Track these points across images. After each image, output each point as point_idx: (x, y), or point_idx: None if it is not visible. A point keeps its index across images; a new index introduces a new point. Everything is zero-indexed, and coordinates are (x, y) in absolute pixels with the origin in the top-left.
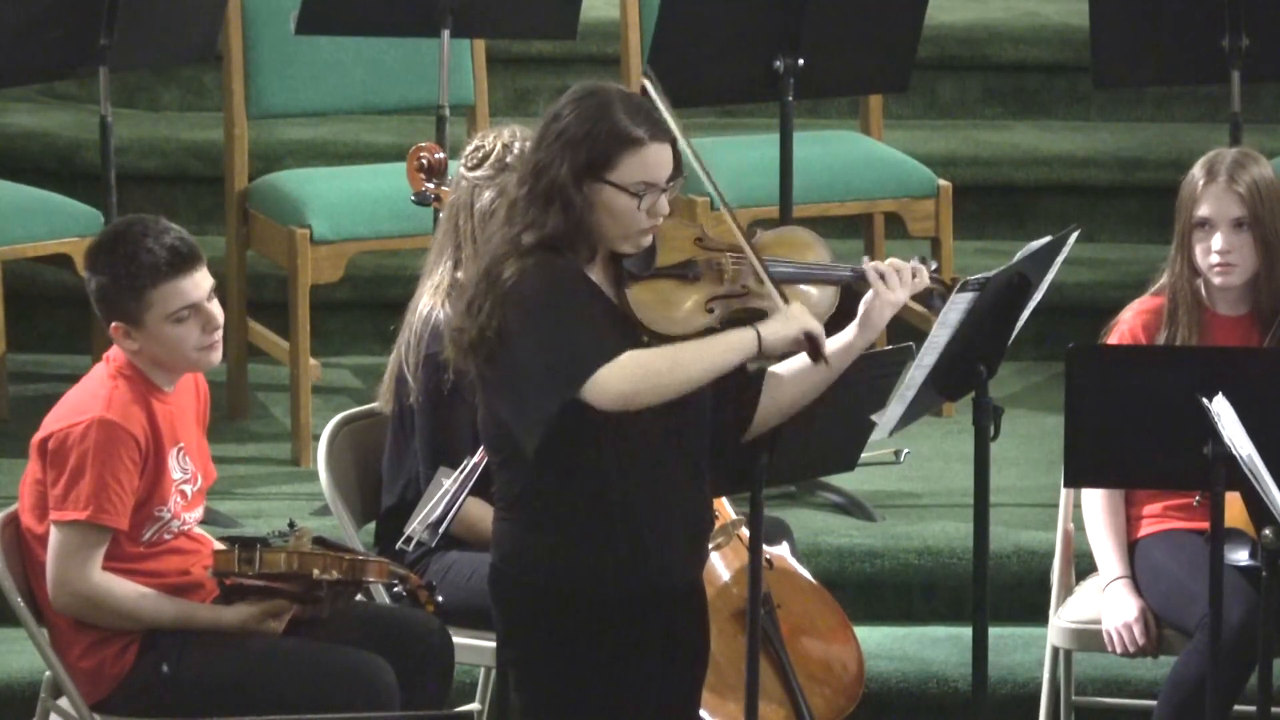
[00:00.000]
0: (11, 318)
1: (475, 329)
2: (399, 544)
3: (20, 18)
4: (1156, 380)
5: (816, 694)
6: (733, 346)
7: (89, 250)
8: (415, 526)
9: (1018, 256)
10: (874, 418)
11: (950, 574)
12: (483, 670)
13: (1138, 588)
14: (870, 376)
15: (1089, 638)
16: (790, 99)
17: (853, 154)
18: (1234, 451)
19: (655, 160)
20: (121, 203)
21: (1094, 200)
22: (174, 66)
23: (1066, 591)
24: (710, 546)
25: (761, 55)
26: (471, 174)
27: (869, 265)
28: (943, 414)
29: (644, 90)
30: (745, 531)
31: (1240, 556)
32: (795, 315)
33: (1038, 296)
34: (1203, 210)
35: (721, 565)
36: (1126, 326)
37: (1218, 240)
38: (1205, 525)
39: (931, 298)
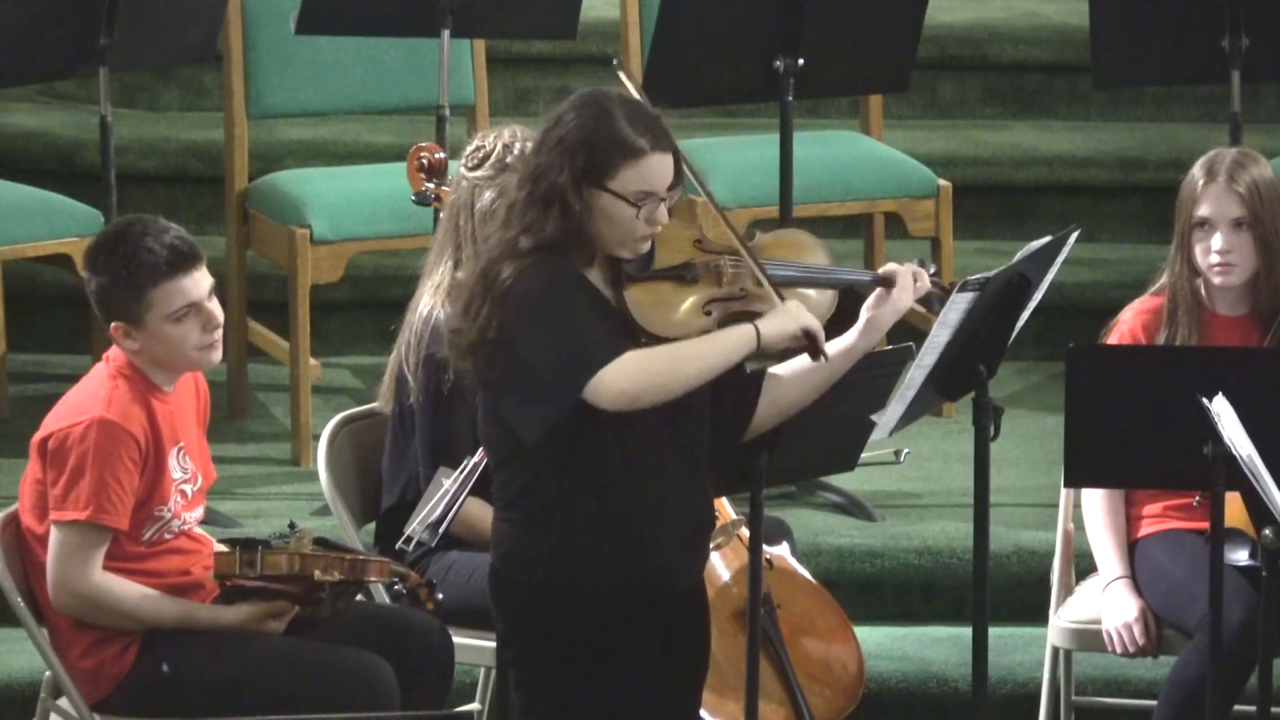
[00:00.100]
0: (11, 318)
1: (473, 330)
2: (399, 544)
3: (20, 18)
4: (1156, 380)
5: (816, 694)
6: (732, 343)
7: (88, 250)
8: (415, 526)
9: (1018, 256)
10: (874, 418)
11: (950, 574)
12: (483, 670)
13: (1138, 588)
14: (870, 376)
15: (1089, 638)
16: (790, 99)
17: (853, 154)
18: (1234, 451)
19: (655, 170)
20: (121, 203)
21: (1094, 200)
22: (174, 66)
23: (1066, 591)
24: (710, 546)
25: (761, 55)
26: (472, 174)
27: (890, 270)
28: (943, 414)
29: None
30: (745, 531)
31: (1240, 556)
32: (793, 312)
33: (1038, 296)
34: (1202, 210)
35: (721, 565)
36: (1126, 326)
37: (1217, 240)
38: (1205, 525)
39: (930, 300)
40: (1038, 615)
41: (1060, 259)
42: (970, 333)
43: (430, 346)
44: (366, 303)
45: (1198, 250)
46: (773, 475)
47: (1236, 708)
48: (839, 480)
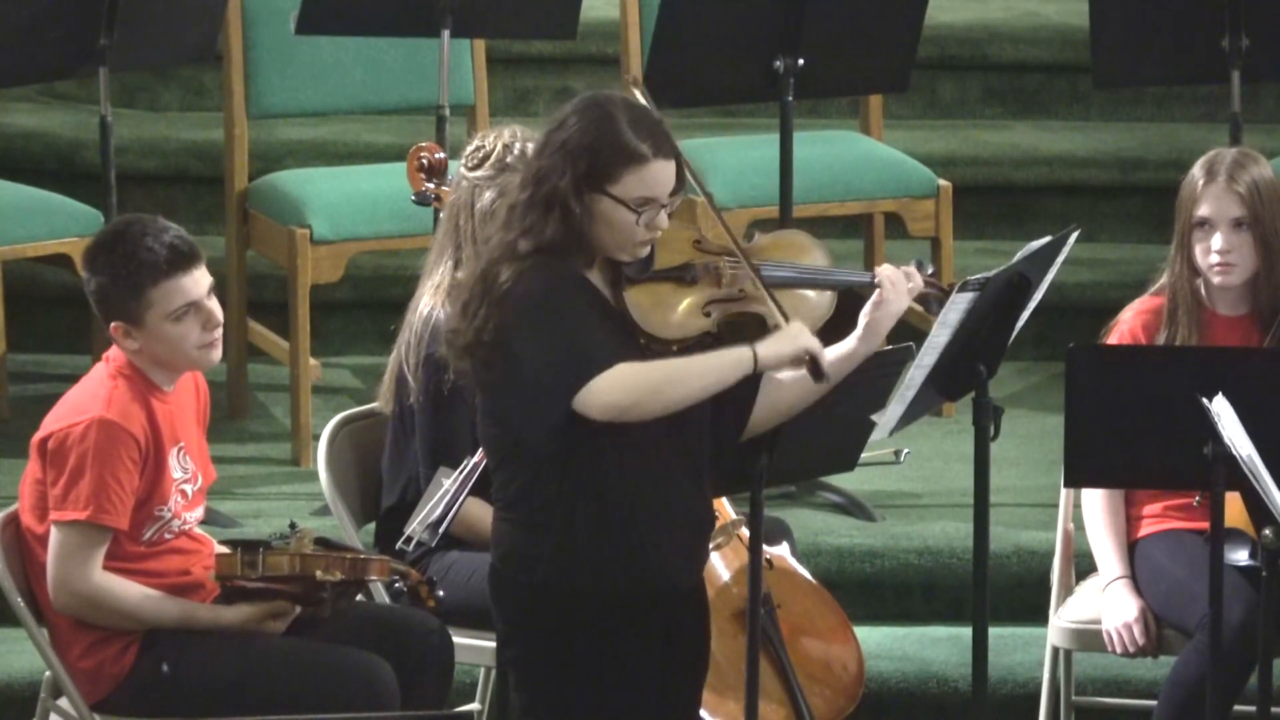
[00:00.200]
0: (11, 318)
1: (470, 332)
2: (399, 544)
3: (20, 18)
4: (1156, 380)
5: (816, 694)
6: (727, 364)
7: (87, 251)
8: (415, 526)
9: (1018, 256)
10: (874, 418)
11: (950, 574)
12: (483, 670)
13: (1138, 588)
14: (870, 376)
15: (1089, 638)
16: (790, 99)
17: (853, 154)
18: (1234, 451)
19: (657, 177)
20: (121, 203)
21: (1094, 200)
22: (174, 66)
23: (1066, 591)
24: (710, 546)
25: (761, 55)
26: (472, 174)
27: (877, 273)
28: (943, 414)
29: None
30: (745, 531)
31: (1240, 556)
32: (794, 334)
33: (1038, 296)
34: (1202, 210)
35: (721, 565)
36: (1126, 326)
37: (1217, 240)
38: (1205, 525)
39: (929, 301)
40: (1038, 615)
41: (1060, 259)
42: (970, 333)
43: (430, 346)
44: (366, 303)
45: (1198, 250)
46: (773, 475)
47: (1236, 708)
48: (839, 480)
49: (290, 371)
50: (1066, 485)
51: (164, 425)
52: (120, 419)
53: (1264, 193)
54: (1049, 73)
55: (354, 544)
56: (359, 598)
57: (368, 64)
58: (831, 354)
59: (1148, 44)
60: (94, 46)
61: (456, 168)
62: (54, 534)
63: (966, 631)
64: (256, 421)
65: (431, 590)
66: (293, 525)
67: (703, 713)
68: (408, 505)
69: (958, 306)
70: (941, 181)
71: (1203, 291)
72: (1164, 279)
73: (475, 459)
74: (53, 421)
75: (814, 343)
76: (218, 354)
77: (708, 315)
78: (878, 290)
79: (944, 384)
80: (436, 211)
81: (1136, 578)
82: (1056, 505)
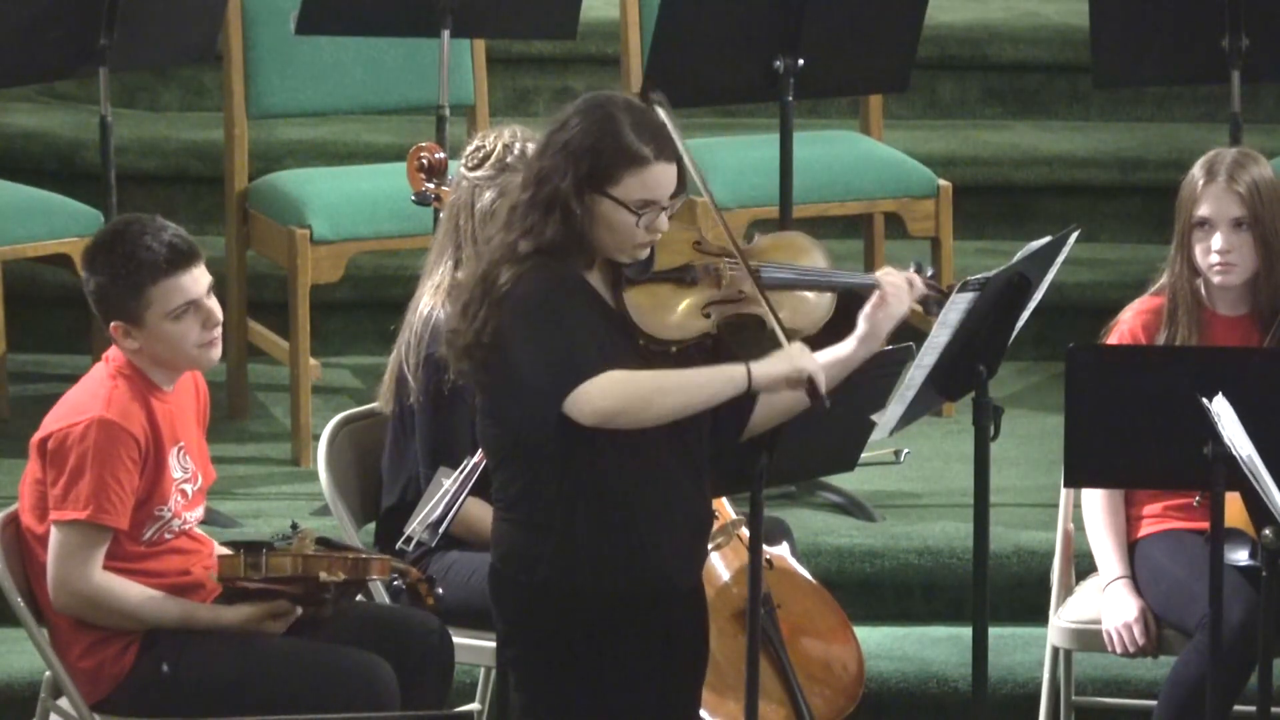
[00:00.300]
0: (11, 318)
1: (470, 333)
2: (399, 544)
3: (20, 18)
4: (1156, 380)
5: (816, 694)
6: (719, 380)
7: (86, 251)
8: (415, 526)
9: (1018, 256)
10: (874, 418)
11: (950, 574)
12: (483, 670)
13: (1138, 588)
14: (870, 376)
15: (1089, 638)
16: (790, 99)
17: (853, 154)
18: (1234, 451)
19: (659, 179)
20: (121, 203)
21: (1094, 200)
22: (174, 66)
23: (1066, 591)
24: (710, 546)
25: (761, 55)
26: (472, 174)
27: (878, 277)
28: (943, 414)
29: (650, 101)
30: (745, 531)
31: (1240, 556)
32: (793, 355)
33: (1038, 296)
34: (1202, 210)
35: (721, 565)
36: (1126, 326)
37: (1217, 240)
38: (1205, 525)
39: (929, 302)
40: (1038, 615)
41: (1060, 259)
42: (970, 333)
43: (430, 346)
44: (366, 303)
45: (1198, 250)
46: (773, 475)
47: (1236, 708)
48: (839, 480)
49: (290, 371)
50: (1066, 485)
51: (164, 425)
52: (120, 419)
53: (1264, 193)
54: (1049, 73)
55: (354, 544)
56: (359, 597)
57: (368, 64)
58: (830, 355)
59: (1148, 44)
60: (94, 46)
61: (456, 168)
62: (54, 534)
63: (966, 631)
64: (256, 421)
65: (431, 588)
66: (294, 526)
67: (703, 713)
68: (408, 505)
69: (958, 307)
70: (941, 181)
71: (1203, 291)
72: (1164, 279)
73: (475, 459)
74: (53, 421)
75: (813, 365)
76: (217, 353)
77: (707, 316)
78: (878, 293)
79: (944, 384)
80: (436, 211)
81: (1136, 578)
82: (1056, 505)
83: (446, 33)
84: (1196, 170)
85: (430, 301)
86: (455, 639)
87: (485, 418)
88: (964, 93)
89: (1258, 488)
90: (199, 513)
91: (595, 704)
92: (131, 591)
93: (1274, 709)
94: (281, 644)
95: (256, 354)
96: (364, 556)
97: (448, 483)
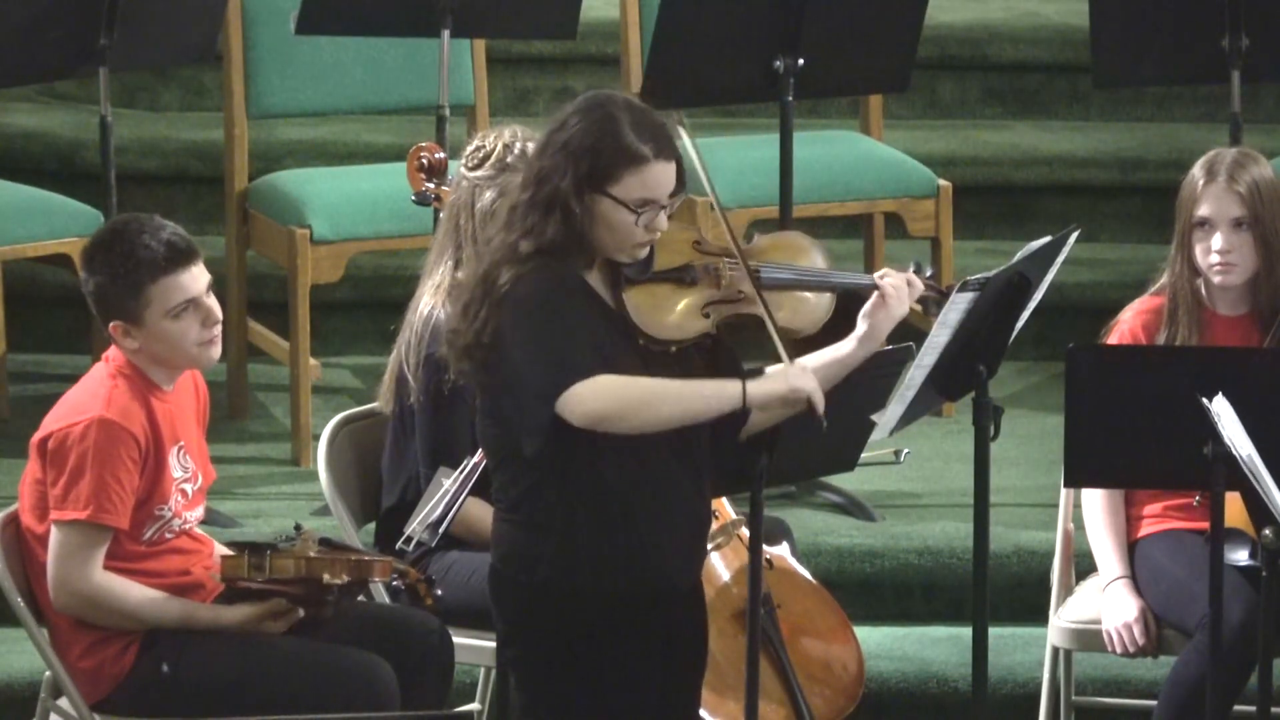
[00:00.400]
0: (11, 318)
1: (471, 333)
2: (399, 544)
3: (20, 18)
4: (1156, 380)
5: (816, 694)
6: (713, 395)
7: (85, 251)
8: (415, 526)
9: (1018, 256)
10: (874, 418)
11: (950, 574)
12: (483, 670)
13: (1138, 588)
14: (870, 376)
15: (1089, 638)
16: (790, 99)
17: (853, 154)
18: (1234, 451)
19: (658, 178)
20: (121, 203)
21: (1094, 200)
22: (174, 66)
23: (1066, 591)
24: (710, 546)
25: (761, 55)
26: (472, 174)
27: (878, 279)
28: (943, 414)
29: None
30: (745, 531)
31: (1240, 556)
32: (790, 374)
33: (1038, 296)
34: (1203, 210)
35: (721, 565)
36: (1126, 326)
37: (1218, 240)
38: (1205, 525)
39: (928, 302)
40: (1038, 615)
41: (1060, 259)
42: (970, 333)
43: (430, 346)
44: (366, 303)
45: (1198, 250)
46: (773, 475)
47: (1236, 708)
48: (839, 480)
49: (290, 371)
50: (1066, 485)
51: (164, 424)
52: (120, 418)
53: (1264, 193)
54: (1049, 73)
55: (355, 544)
56: (359, 598)
57: (368, 64)
58: (829, 355)
59: (1148, 44)
60: (94, 46)
61: (456, 168)
62: (54, 534)
63: (966, 631)
64: (256, 421)
65: (430, 589)
66: (298, 527)
67: (703, 713)
68: (408, 505)
69: (958, 306)
70: (941, 181)
71: (1203, 291)
72: (1164, 279)
73: (475, 459)
74: (52, 421)
75: (810, 385)
76: (217, 351)
77: (706, 316)
78: (877, 294)
79: (944, 384)
80: (436, 211)
81: (1136, 578)
82: (1056, 505)
83: (446, 33)
84: (1197, 170)
85: (430, 301)
86: (455, 639)
87: (485, 418)
88: (964, 93)
89: (1258, 488)
90: (199, 512)
91: (595, 704)
92: (132, 591)
93: (1274, 709)
94: (281, 644)
95: (256, 354)
96: (366, 558)
97: (448, 483)
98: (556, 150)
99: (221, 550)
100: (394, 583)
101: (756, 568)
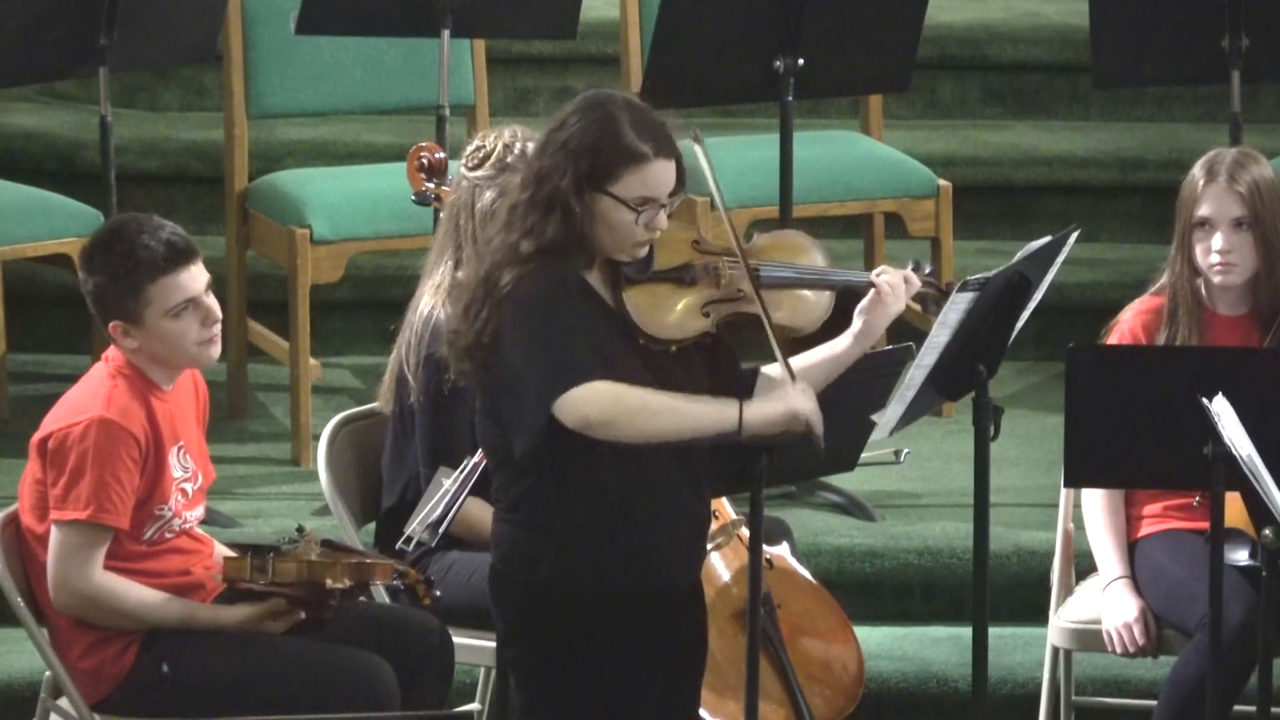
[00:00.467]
0: (11, 318)
1: (472, 334)
2: (399, 544)
3: (20, 18)
4: (1156, 380)
5: (816, 694)
6: (710, 416)
7: (84, 251)
8: (415, 526)
9: (1018, 256)
10: (874, 418)
11: (950, 574)
12: (483, 670)
13: (1138, 588)
14: (870, 376)
15: (1089, 638)
16: (790, 99)
17: (853, 154)
18: (1234, 451)
19: (658, 177)
20: (121, 203)
21: (1094, 200)
22: (174, 66)
23: (1066, 591)
24: (710, 546)
25: (761, 55)
26: (472, 174)
27: (875, 276)
28: (943, 414)
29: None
30: (745, 531)
31: (1240, 556)
32: (788, 394)
33: (1038, 296)
34: (1203, 210)
35: (721, 565)
36: (1126, 326)
37: (1218, 240)
38: (1205, 525)
39: (926, 300)
40: (1038, 615)
41: (1060, 259)
42: (970, 333)
43: (430, 346)
44: (366, 303)
45: (1198, 250)
46: (773, 475)
47: (1236, 708)
48: (839, 480)
49: (290, 371)
50: (1066, 485)
51: (164, 424)
52: (120, 418)
53: (1264, 192)
54: (1049, 73)
55: (354, 545)
56: (360, 598)
57: (368, 64)
58: (825, 352)
59: (1148, 44)
60: (94, 46)
61: (456, 168)
62: (54, 534)
63: (966, 631)
64: (256, 421)
65: (429, 589)
66: (300, 529)
67: (703, 713)
68: (408, 505)
69: (957, 306)
70: (941, 181)
71: (1203, 291)
72: (1164, 279)
73: (475, 459)
74: (52, 421)
75: (804, 406)
76: (217, 350)
77: (706, 315)
78: (874, 292)
79: (944, 384)
80: (436, 211)
81: (1136, 578)
82: (1056, 505)
83: (446, 33)
84: (1197, 170)
85: (430, 301)
86: (455, 639)
87: (485, 418)
88: (964, 93)
89: (1258, 488)
90: (199, 512)
91: (595, 704)
92: (132, 591)
93: (1274, 709)
94: (281, 644)
95: (256, 354)
96: (368, 561)
97: (448, 483)
98: (556, 149)
99: (222, 550)
100: (394, 583)
101: (756, 568)
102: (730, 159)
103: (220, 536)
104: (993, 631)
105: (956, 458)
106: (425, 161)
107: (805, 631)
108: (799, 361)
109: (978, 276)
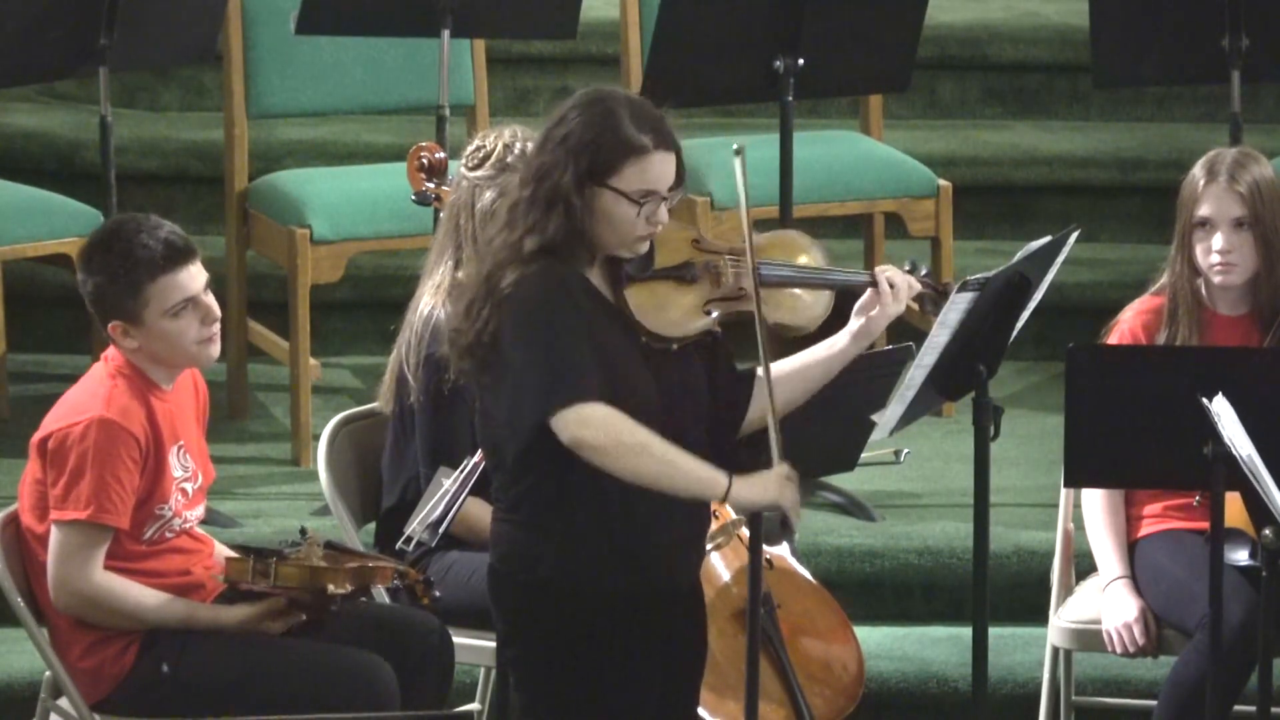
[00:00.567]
0: (11, 318)
1: (473, 333)
2: (399, 544)
3: (20, 18)
4: (1156, 380)
5: (816, 694)
6: (700, 478)
7: (83, 252)
8: (415, 526)
9: (1018, 256)
10: (874, 418)
11: (950, 574)
12: (483, 670)
13: (1138, 588)
14: (870, 376)
15: (1089, 638)
16: (790, 99)
17: (853, 154)
18: (1234, 451)
19: (659, 169)
20: (121, 203)
21: (1094, 200)
22: (174, 66)
23: (1066, 591)
24: (710, 546)
25: (761, 55)
26: (472, 174)
27: (877, 274)
28: (943, 414)
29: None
30: (745, 531)
31: (1240, 556)
32: (772, 484)
33: (1038, 296)
34: (1203, 210)
35: (721, 565)
36: (1126, 326)
37: (1218, 240)
38: (1205, 525)
39: (924, 300)
40: (1038, 615)
41: (1060, 259)
42: (970, 333)
43: (430, 346)
44: (366, 303)
45: (1198, 250)
46: None
47: (1236, 708)
48: (839, 480)
49: (290, 371)
50: (1066, 485)
51: (164, 424)
52: (120, 418)
53: (1265, 192)
54: (1049, 73)
55: (354, 545)
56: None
57: (368, 64)
58: (822, 351)
59: (1148, 44)
60: (94, 46)
61: (456, 168)
62: (54, 534)
63: (966, 631)
64: (256, 421)
65: (428, 589)
66: (303, 531)
67: (703, 713)
68: (408, 505)
69: (957, 306)
70: (941, 181)
71: (1203, 291)
72: (1164, 279)
73: (475, 459)
74: (52, 421)
75: (789, 500)
76: (216, 349)
77: (708, 314)
78: (872, 290)
79: (944, 384)
80: (436, 211)
81: (1136, 578)
82: (1056, 505)
83: (446, 33)
84: (1197, 170)
85: (430, 301)
86: (455, 639)
87: (485, 418)
88: (964, 93)
89: (1258, 488)
90: (199, 512)
91: (595, 704)
92: (132, 591)
93: (1274, 709)
94: (281, 644)
95: (256, 354)
96: (370, 565)
97: (448, 483)
98: (556, 145)
99: (223, 550)
100: (394, 583)
101: (756, 568)
102: (730, 159)
103: (220, 536)
104: (993, 631)
105: (956, 458)
106: (425, 161)
107: (805, 631)
108: (798, 360)
109: (978, 276)
